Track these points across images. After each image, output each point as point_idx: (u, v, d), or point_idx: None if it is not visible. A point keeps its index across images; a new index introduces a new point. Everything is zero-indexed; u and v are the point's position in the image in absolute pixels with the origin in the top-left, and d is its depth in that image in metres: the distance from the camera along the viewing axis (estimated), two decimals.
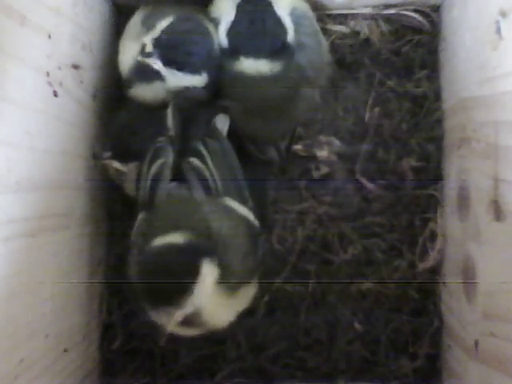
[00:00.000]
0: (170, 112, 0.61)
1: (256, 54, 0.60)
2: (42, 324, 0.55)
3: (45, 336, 0.55)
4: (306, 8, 0.64)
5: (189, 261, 0.53)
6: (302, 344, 0.70)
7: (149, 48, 0.60)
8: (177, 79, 0.61)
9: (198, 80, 0.62)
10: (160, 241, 0.54)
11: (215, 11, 0.63)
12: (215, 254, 0.54)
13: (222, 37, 0.61)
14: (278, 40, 0.60)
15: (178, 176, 0.59)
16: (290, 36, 0.61)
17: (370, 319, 0.70)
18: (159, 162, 0.59)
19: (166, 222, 0.56)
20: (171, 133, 0.60)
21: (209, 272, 0.53)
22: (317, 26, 0.65)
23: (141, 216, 0.59)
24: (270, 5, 0.60)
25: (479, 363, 0.57)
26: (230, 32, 0.61)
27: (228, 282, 0.55)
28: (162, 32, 0.60)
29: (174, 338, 0.68)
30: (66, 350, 0.60)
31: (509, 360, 0.51)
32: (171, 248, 0.53)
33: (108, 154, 0.64)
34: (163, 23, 0.60)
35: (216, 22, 0.62)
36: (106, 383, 0.70)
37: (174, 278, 0.51)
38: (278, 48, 0.60)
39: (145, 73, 0.61)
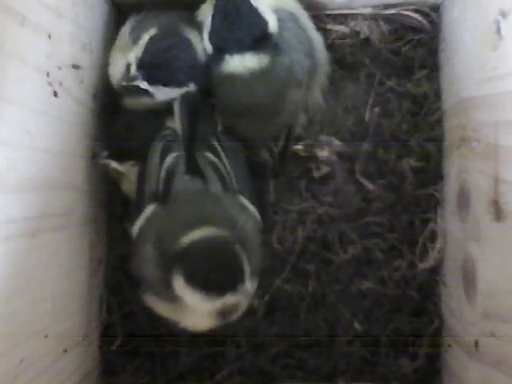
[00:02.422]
0: (176, 106, 0.62)
1: (238, 48, 0.59)
2: (42, 324, 0.55)
3: (45, 336, 0.55)
4: (292, 8, 0.63)
5: (232, 251, 0.53)
6: (302, 344, 0.70)
7: (133, 70, 0.60)
8: (164, 94, 0.62)
9: (186, 91, 0.63)
10: (194, 235, 0.54)
11: (201, 15, 0.63)
12: (243, 242, 0.55)
13: (206, 43, 0.61)
14: (256, 28, 0.59)
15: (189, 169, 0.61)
16: (272, 27, 0.60)
17: (370, 319, 0.70)
18: (173, 154, 0.61)
19: (189, 215, 0.57)
20: (179, 127, 0.62)
21: (246, 261, 0.54)
22: (307, 26, 0.64)
23: (151, 208, 0.59)
24: None
25: (479, 363, 0.57)
26: (211, 34, 0.60)
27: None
28: (144, 50, 0.60)
29: (174, 338, 0.69)
30: (65, 350, 0.60)
31: (509, 360, 0.51)
32: (211, 241, 0.54)
33: (106, 153, 0.65)
34: (145, 37, 0.61)
35: (201, 27, 0.62)
36: (106, 383, 0.70)
37: (221, 269, 0.52)
38: (258, 37, 0.59)
39: (132, 90, 0.62)
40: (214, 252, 0.53)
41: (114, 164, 0.65)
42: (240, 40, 0.59)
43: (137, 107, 0.64)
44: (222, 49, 0.60)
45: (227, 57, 0.60)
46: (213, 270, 0.52)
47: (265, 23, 0.59)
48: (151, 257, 0.56)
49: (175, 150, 0.61)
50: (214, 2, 0.60)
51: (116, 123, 0.66)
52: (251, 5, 0.59)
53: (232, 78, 0.61)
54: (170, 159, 0.60)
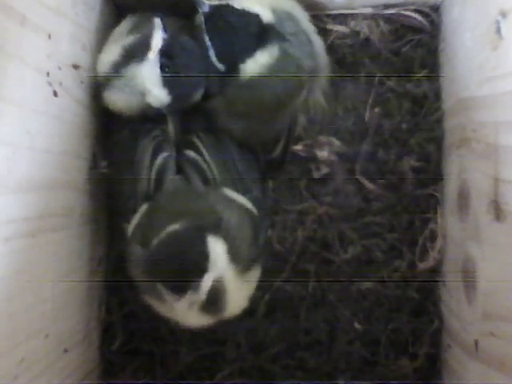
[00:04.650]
0: (169, 122, 0.63)
1: (246, 53, 0.60)
2: (42, 324, 0.55)
3: (45, 336, 0.55)
4: (290, 8, 0.63)
5: (194, 240, 0.53)
6: (301, 344, 0.70)
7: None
8: (157, 89, 0.61)
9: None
10: (163, 232, 0.54)
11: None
12: (218, 230, 0.55)
13: (216, 63, 0.61)
14: (251, 27, 0.59)
15: (177, 169, 0.61)
16: (266, 17, 0.60)
17: (370, 319, 0.70)
18: (164, 154, 0.61)
19: (171, 214, 0.57)
20: (171, 129, 0.63)
21: (216, 246, 0.54)
22: (308, 29, 0.64)
23: (144, 208, 0.60)
24: (228, 5, 0.59)
25: (479, 363, 0.57)
26: (217, 56, 0.61)
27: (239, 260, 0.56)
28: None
29: (174, 338, 0.69)
30: (66, 350, 0.60)
31: (509, 360, 0.51)
32: (174, 234, 0.54)
33: (105, 163, 0.65)
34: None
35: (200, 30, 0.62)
36: (106, 383, 0.70)
37: (185, 261, 0.52)
38: (257, 33, 0.59)
39: (128, 58, 0.61)
40: (177, 247, 0.53)
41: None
42: (244, 46, 0.60)
43: (120, 99, 0.63)
44: (233, 63, 0.61)
45: (241, 66, 0.60)
46: (174, 267, 0.52)
47: (256, 17, 0.60)
48: (140, 256, 0.57)
49: (165, 150, 0.62)
50: (202, 21, 0.60)
51: (115, 137, 0.67)
52: (236, 9, 0.59)
53: (253, 81, 0.61)
54: (160, 159, 0.61)
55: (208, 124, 0.64)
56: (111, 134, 0.68)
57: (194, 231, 0.54)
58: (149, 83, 0.60)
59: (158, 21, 0.58)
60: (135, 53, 0.61)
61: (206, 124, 0.64)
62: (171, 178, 0.60)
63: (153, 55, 0.59)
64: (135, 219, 0.60)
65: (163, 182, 0.60)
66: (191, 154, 0.61)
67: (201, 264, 0.52)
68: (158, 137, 0.62)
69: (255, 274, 0.60)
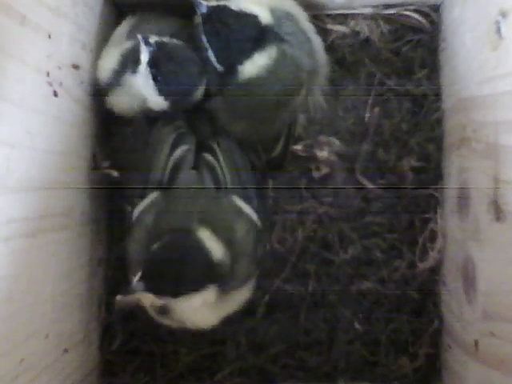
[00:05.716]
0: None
1: (244, 55, 0.60)
2: (42, 324, 0.55)
3: (45, 336, 0.55)
4: (289, 7, 0.63)
5: (202, 276, 0.54)
6: (301, 344, 0.70)
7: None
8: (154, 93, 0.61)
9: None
10: (185, 231, 0.55)
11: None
12: (225, 279, 0.55)
13: (215, 64, 0.61)
14: (250, 28, 0.59)
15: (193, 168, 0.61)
16: (264, 18, 0.60)
17: (370, 319, 0.70)
18: (184, 147, 0.61)
19: (186, 209, 0.58)
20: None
21: (211, 295, 0.54)
22: (307, 28, 0.64)
23: (153, 196, 0.60)
24: (226, 7, 0.59)
25: (479, 363, 0.57)
26: (216, 57, 0.61)
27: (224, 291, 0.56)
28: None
29: (174, 338, 0.69)
30: (66, 350, 0.60)
31: (509, 360, 0.51)
32: (196, 247, 0.54)
33: (107, 163, 0.66)
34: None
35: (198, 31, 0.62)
36: (106, 383, 0.70)
37: (181, 276, 0.52)
38: (255, 34, 0.59)
39: (125, 67, 0.62)
40: (176, 258, 0.53)
41: (114, 173, 0.66)
42: (242, 48, 0.59)
43: (122, 103, 0.64)
44: (231, 65, 0.60)
45: (239, 67, 0.60)
46: (168, 275, 0.52)
47: (255, 18, 0.59)
48: (142, 243, 0.57)
49: (186, 142, 0.62)
50: (200, 21, 0.60)
51: (118, 135, 0.67)
52: (234, 11, 0.59)
53: (252, 81, 0.61)
54: (179, 151, 0.61)
55: (222, 130, 0.64)
56: (111, 134, 0.68)
57: (209, 264, 0.54)
58: (145, 92, 0.61)
59: (140, 37, 0.59)
60: (129, 64, 0.62)
61: (221, 130, 0.64)
62: (187, 172, 0.60)
63: (143, 68, 0.60)
64: (142, 205, 0.60)
65: (178, 174, 0.60)
66: (209, 157, 0.61)
67: (185, 287, 0.53)
68: (181, 127, 0.63)
69: (240, 295, 0.60)
